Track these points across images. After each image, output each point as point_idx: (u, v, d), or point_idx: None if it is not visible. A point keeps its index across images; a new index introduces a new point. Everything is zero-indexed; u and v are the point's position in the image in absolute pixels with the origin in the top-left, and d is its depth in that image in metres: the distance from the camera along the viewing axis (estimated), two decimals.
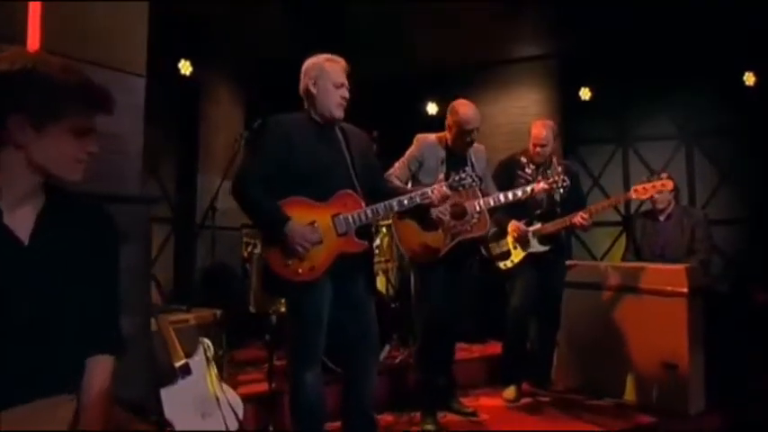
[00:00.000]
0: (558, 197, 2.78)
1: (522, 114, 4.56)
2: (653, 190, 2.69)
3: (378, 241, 3.20)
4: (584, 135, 4.68)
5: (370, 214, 1.88)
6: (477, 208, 2.40)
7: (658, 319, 2.78)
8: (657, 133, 4.53)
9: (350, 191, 1.88)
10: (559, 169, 2.56)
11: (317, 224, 1.83)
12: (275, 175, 1.82)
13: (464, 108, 2.47)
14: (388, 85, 4.58)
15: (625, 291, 2.94)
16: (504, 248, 2.84)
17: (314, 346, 1.86)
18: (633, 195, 2.71)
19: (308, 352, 1.86)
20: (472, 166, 2.48)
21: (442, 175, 2.07)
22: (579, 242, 4.76)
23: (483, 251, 2.86)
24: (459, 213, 2.40)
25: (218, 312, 2.49)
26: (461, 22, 4.06)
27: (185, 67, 3.72)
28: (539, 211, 2.80)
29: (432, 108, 4.92)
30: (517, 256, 2.82)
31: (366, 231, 1.92)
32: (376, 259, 3.20)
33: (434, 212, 2.05)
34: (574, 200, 2.83)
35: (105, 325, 1.14)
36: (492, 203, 2.41)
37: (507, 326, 2.91)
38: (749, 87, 4.08)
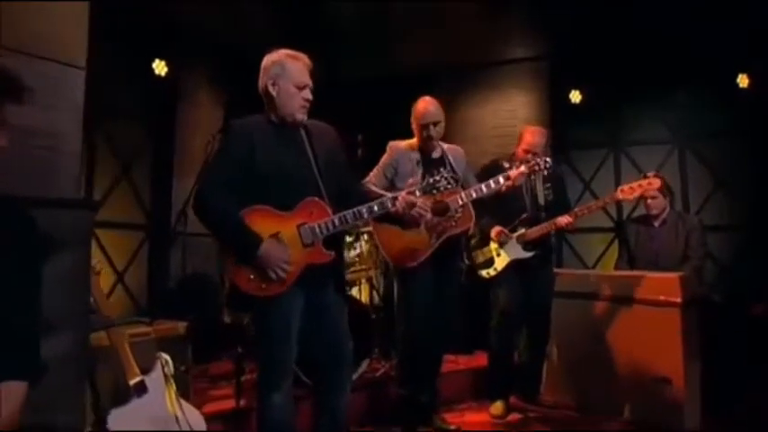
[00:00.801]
0: (542, 201, 2.72)
1: (510, 117, 4.48)
2: (640, 189, 2.62)
3: (358, 249, 3.08)
4: (575, 139, 4.57)
5: (337, 223, 1.78)
6: (460, 201, 2.34)
7: (651, 330, 2.69)
8: (650, 137, 4.43)
9: (316, 198, 1.77)
10: (547, 160, 2.49)
11: (281, 235, 1.73)
12: (239, 181, 1.72)
13: (421, 103, 2.45)
14: (373, 87, 4.49)
15: (617, 301, 2.86)
16: (488, 256, 2.76)
17: (282, 362, 1.76)
18: (620, 196, 2.64)
19: (276, 370, 1.76)
20: (451, 167, 2.41)
21: (412, 179, 1.97)
22: (570, 249, 4.65)
23: (466, 259, 2.78)
24: (442, 209, 2.34)
25: (184, 324, 2.35)
26: (448, 24, 3.98)
27: (160, 68, 3.60)
28: (524, 216, 2.72)
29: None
30: (501, 263, 2.74)
31: (335, 239, 1.82)
32: (357, 267, 3.10)
33: (414, 212, 1.98)
34: (560, 204, 2.76)
35: (18, 346, 1.02)
36: (474, 195, 2.35)
37: (492, 338, 2.82)
38: (743, 89, 4.00)
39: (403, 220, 2.07)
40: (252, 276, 1.71)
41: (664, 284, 2.70)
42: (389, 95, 4.40)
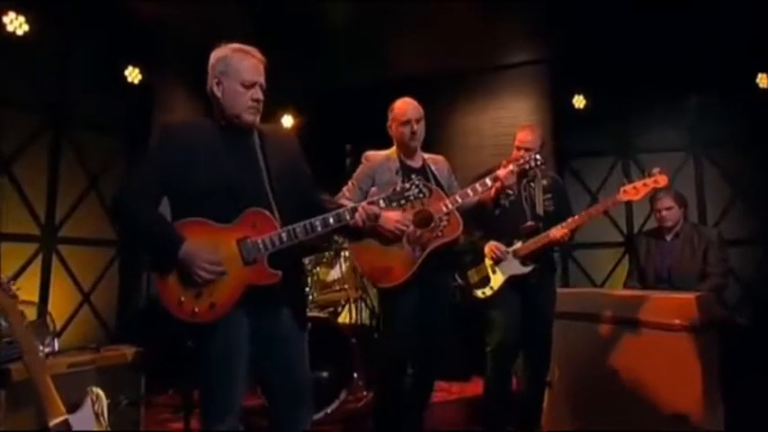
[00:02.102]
0: (540, 211, 2.51)
1: (510, 125, 4.26)
2: (645, 189, 2.39)
3: (338, 268, 2.86)
4: (580, 147, 4.34)
5: (284, 238, 1.57)
6: (445, 209, 2.16)
7: (664, 357, 2.43)
8: (661, 144, 4.17)
9: (260, 209, 1.57)
10: (537, 157, 2.29)
11: (218, 251, 1.53)
12: (171, 191, 1.56)
13: (399, 102, 2.33)
14: (364, 95, 4.33)
15: (625, 323, 2.60)
16: (483, 274, 2.54)
17: (223, 399, 1.56)
18: (623, 197, 2.41)
19: (216, 406, 1.56)
20: (433, 177, 2.27)
21: (376, 188, 1.77)
22: (577, 266, 4.39)
23: (459, 279, 2.59)
24: (425, 220, 2.17)
25: (134, 351, 2.14)
26: (442, 28, 3.86)
27: (133, 75, 3.48)
28: (521, 227, 2.51)
29: None
30: (497, 281, 2.53)
31: (290, 257, 1.62)
32: (336, 287, 2.89)
33: (391, 226, 1.88)
34: (563, 216, 2.55)
35: None
36: (460, 201, 2.18)
37: (487, 369, 2.59)
38: (763, 90, 3.72)
39: (381, 234, 1.92)
40: (183, 299, 1.51)
41: (678, 306, 2.45)
42: (381, 104, 4.28)
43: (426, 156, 2.39)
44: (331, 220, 1.62)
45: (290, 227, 1.58)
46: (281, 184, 1.64)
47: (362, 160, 2.34)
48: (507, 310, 2.51)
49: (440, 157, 2.42)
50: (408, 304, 2.18)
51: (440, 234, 2.17)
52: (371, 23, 3.83)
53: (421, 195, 1.68)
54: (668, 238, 2.93)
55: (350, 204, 1.69)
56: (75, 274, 3.29)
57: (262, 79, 1.64)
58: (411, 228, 2.04)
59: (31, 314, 2.72)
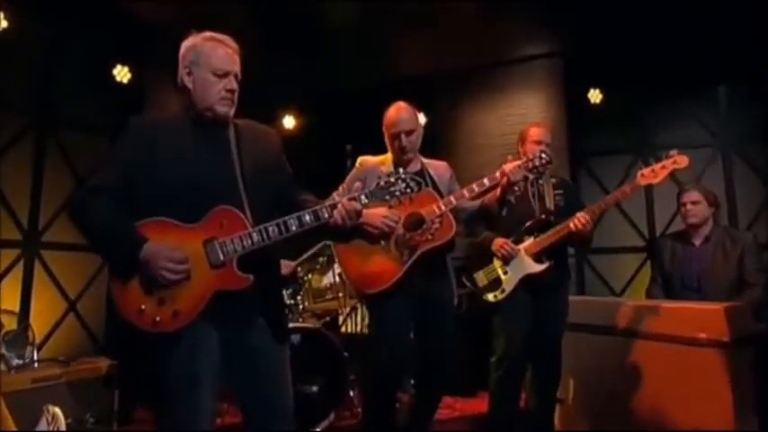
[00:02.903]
0: (551, 205, 2.43)
1: (520, 123, 4.03)
2: (664, 172, 2.31)
3: (331, 274, 2.76)
4: (595, 144, 4.20)
5: (255, 238, 1.48)
6: (438, 211, 2.08)
7: (690, 376, 2.28)
8: (686, 140, 3.97)
9: (229, 208, 1.49)
10: (543, 154, 2.18)
11: (183, 253, 1.44)
12: (134, 190, 1.48)
13: (392, 109, 2.24)
14: (366, 95, 4.27)
15: (646, 337, 2.47)
16: (493, 276, 2.41)
17: (186, 420, 1.45)
18: (642, 181, 2.33)
19: (178, 427, 1.46)
20: (432, 183, 2.20)
21: (358, 183, 1.68)
22: (594, 273, 4.23)
23: (467, 282, 2.46)
24: (417, 223, 2.09)
25: (108, 364, 2.06)
26: (447, 22, 3.78)
27: (123, 74, 3.46)
28: (529, 222, 2.41)
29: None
30: (509, 282, 2.40)
31: (264, 259, 1.53)
32: (329, 296, 2.78)
33: (378, 222, 1.79)
34: (575, 212, 2.42)
35: None
36: (454, 202, 2.11)
37: (492, 379, 2.46)
38: None
39: (368, 233, 1.82)
40: (143, 307, 1.42)
41: (703, 318, 2.29)
42: (383, 104, 4.20)
43: (426, 161, 2.31)
44: (307, 218, 1.53)
45: (262, 226, 1.49)
46: (255, 181, 1.55)
47: (356, 164, 2.29)
48: (516, 315, 2.39)
49: (441, 163, 2.35)
50: (397, 312, 2.08)
51: (430, 237, 2.08)
52: (373, 21, 3.80)
53: (408, 191, 1.57)
54: (697, 242, 2.76)
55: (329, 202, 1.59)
56: (59, 281, 3.24)
57: (236, 69, 1.57)
58: (400, 229, 1.96)
59: (12, 324, 2.66)
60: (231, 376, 1.51)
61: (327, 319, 3.07)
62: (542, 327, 2.43)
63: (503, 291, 2.39)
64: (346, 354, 2.60)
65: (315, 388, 2.44)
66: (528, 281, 2.39)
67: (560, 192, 2.48)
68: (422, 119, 4.49)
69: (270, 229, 1.49)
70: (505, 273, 2.40)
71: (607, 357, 2.58)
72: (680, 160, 2.33)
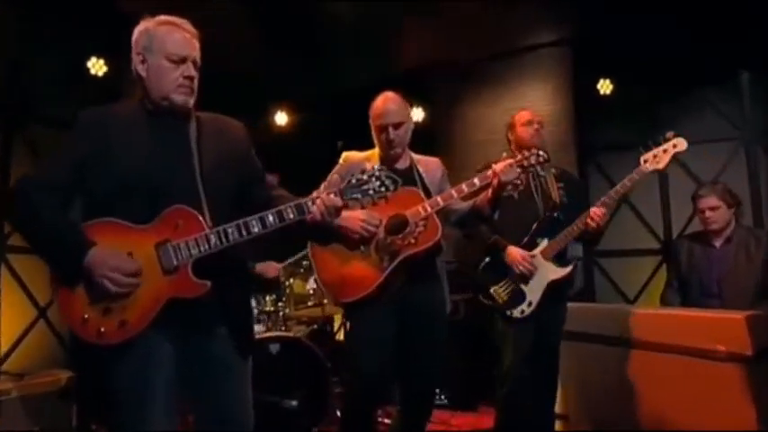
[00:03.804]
0: (558, 199, 2.39)
1: None
2: (666, 156, 2.30)
3: (314, 282, 2.71)
4: (606, 139, 4.12)
5: (213, 240, 1.44)
6: (423, 213, 2.01)
7: (707, 392, 2.21)
8: (705, 133, 3.88)
9: (184, 207, 1.45)
10: (541, 152, 2.13)
11: (132, 256, 1.41)
12: (84, 188, 1.46)
13: (379, 100, 2.18)
14: (362, 90, 4.24)
15: (660, 349, 2.40)
16: (511, 288, 2.34)
17: None
18: (647, 168, 2.31)
19: None
20: (420, 180, 2.15)
21: (336, 176, 1.64)
22: (605, 277, 4.17)
23: (484, 300, 2.39)
24: (399, 226, 2.03)
25: (68, 376, 2.02)
26: (446, 12, 3.78)
27: (97, 67, 3.44)
28: (536, 223, 2.36)
29: (417, 114, 4.59)
30: (535, 293, 2.33)
31: (226, 264, 1.49)
32: (311, 302, 2.74)
33: (356, 226, 1.80)
34: (580, 208, 2.39)
35: None
36: (441, 203, 2.04)
37: (499, 395, 2.40)
38: None
39: (346, 237, 1.82)
40: (86, 316, 1.38)
41: (724, 328, 2.21)
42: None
43: (417, 157, 2.25)
44: (270, 219, 1.48)
45: (220, 228, 1.44)
46: (216, 178, 1.51)
47: (340, 161, 2.22)
48: (526, 325, 2.32)
49: (433, 159, 2.29)
50: (376, 322, 2.02)
51: (412, 241, 2.02)
52: (371, 13, 3.78)
53: (383, 190, 1.52)
54: (717, 243, 2.69)
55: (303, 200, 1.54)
56: (28, 286, 3.22)
57: (195, 54, 1.53)
58: (381, 232, 1.91)
59: None
60: (187, 390, 1.47)
61: (315, 326, 3.03)
62: (542, 336, 2.36)
63: (530, 303, 2.32)
64: (329, 365, 2.54)
65: (294, 402, 2.38)
66: (552, 287, 2.32)
67: (562, 185, 2.43)
68: (419, 114, 4.58)
69: (229, 230, 1.45)
70: (526, 283, 2.33)
71: (616, 371, 2.52)
72: (679, 143, 2.30)
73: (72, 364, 2.19)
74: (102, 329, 1.37)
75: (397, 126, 2.10)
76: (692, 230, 3.22)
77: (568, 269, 2.35)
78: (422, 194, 2.07)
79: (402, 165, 2.19)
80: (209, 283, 1.42)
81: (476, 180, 2.05)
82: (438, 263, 2.16)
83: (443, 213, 2.15)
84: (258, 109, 4.85)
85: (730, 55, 3.65)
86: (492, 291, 2.33)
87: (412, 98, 4.52)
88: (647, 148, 2.33)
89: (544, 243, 2.34)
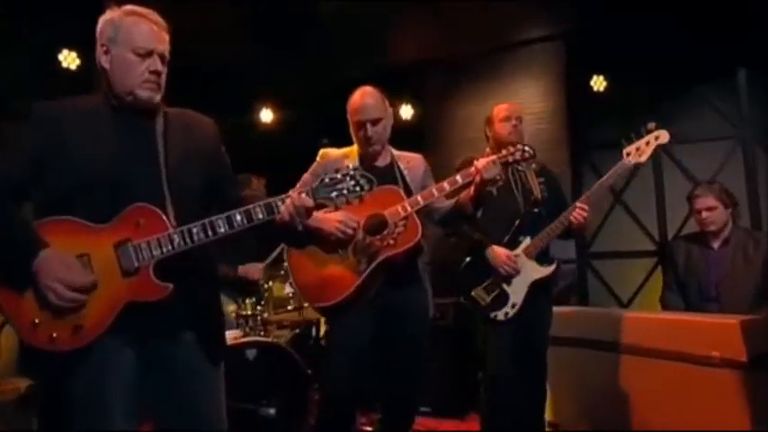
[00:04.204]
0: (539, 195, 2.39)
1: None
2: (648, 148, 2.31)
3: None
4: (600, 137, 4.06)
5: (177, 240, 1.40)
6: (402, 213, 1.98)
7: (704, 400, 2.21)
8: (702, 131, 3.89)
9: (146, 205, 1.41)
10: (527, 148, 2.12)
11: (89, 258, 1.38)
12: (39, 185, 1.42)
13: (357, 95, 2.15)
14: (348, 87, 4.25)
15: (654, 355, 2.41)
16: (495, 290, 2.32)
17: None
18: (630, 160, 2.32)
19: None
20: (402, 178, 2.14)
21: (308, 175, 1.61)
22: (599, 280, 4.14)
23: (465, 302, 2.38)
24: (378, 226, 2.01)
25: (26, 385, 1.97)
26: (435, 8, 3.78)
27: (69, 60, 3.40)
28: (518, 221, 2.35)
29: (406, 111, 4.60)
30: (517, 293, 2.31)
31: (191, 265, 1.46)
32: (289, 306, 2.76)
33: (332, 228, 1.81)
34: (558, 205, 2.42)
35: None
36: (422, 202, 2.01)
37: (483, 400, 2.41)
38: None
39: (323, 240, 1.81)
40: (37, 320, 1.33)
41: (719, 333, 2.21)
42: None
43: (398, 153, 2.23)
44: (238, 218, 1.45)
45: (185, 227, 1.41)
46: (182, 176, 1.48)
47: (317, 158, 2.20)
48: (507, 325, 2.30)
49: (415, 155, 2.27)
50: (354, 327, 2.00)
51: (391, 243, 1.98)
52: (360, 8, 3.78)
53: (357, 190, 1.49)
54: (715, 245, 2.68)
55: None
56: None
57: (162, 48, 1.49)
58: (359, 233, 1.90)
59: None
60: (150, 401, 1.44)
61: (297, 331, 2.98)
62: (528, 338, 2.34)
63: (513, 305, 2.31)
64: (310, 371, 2.50)
65: (272, 410, 2.36)
66: (535, 287, 2.32)
67: (543, 179, 2.43)
68: (408, 111, 4.60)
69: (194, 230, 1.41)
70: (509, 283, 2.32)
71: (608, 377, 2.51)
72: (661, 135, 2.31)
73: (24, 370, 2.12)
74: (55, 335, 1.32)
75: (375, 122, 2.07)
76: (688, 231, 3.18)
77: (552, 268, 2.34)
78: (402, 193, 2.04)
79: (382, 162, 2.16)
80: (171, 286, 1.38)
81: (458, 177, 2.03)
82: (420, 264, 2.14)
83: (425, 212, 2.13)
84: (243, 106, 4.84)
85: (728, 52, 3.64)
86: (474, 293, 2.31)
87: (401, 95, 4.63)
88: (630, 141, 2.33)
89: (526, 241, 2.33)
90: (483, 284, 2.31)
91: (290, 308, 2.69)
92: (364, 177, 1.50)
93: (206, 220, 1.42)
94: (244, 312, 2.61)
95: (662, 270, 3.52)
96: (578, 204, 2.28)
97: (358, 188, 1.49)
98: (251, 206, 1.46)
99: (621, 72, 3.93)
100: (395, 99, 4.59)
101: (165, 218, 1.40)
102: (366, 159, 2.13)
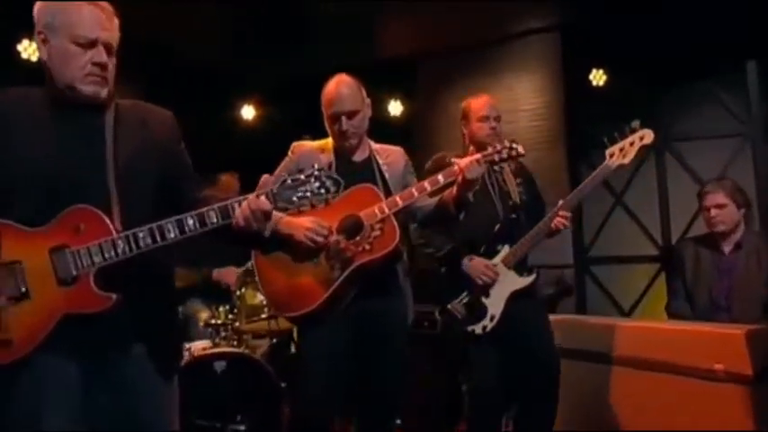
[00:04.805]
0: (518, 199, 2.36)
1: (512, 110, 4.07)
2: (632, 149, 2.30)
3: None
4: (600, 135, 3.95)
5: (122, 246, 1.35)
6: (379, 214, 1.93)
7: (707, 417, 2.16)
8: (708, 128, 3.89)
9: (87, 207, 1.36)
10: (515, 145, 2.08)
11: (23, 265, 1.32)
12: None
13: (331, 85, 2.10)
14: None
15: (654, 368, 2.37)
16: (471, 302, 2.29)
17: None
18: (614, 162, 2.31)
19: None
20: (380, 174, 2.10)
21: (267, 175, 1.56)
22: (598, 287, 4.13)
23: (439, 315, 2.38)
24: (353, 229, 1.95)
25: None
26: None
27: (30, 50, 3.35)
28: (498, 227, 2.31)
29: (395, 107, 4.61)
30: (495, 305, 2.28)
31: (140, 273, 1.41)
32: (263, 315, 2.71)
33: (300, 235, 1.81)
34: (537, 207, 2.42)
35: None
36: (401, 204, 1.96)
37: (467, 411, 2.46)
38: None
39: (293, 249, 1.79)
40: None
41: (723, 345, 2.15)
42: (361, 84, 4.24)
43: (377, 146, 2.18)
44: (190, 222, 1.39)
45: (130, 232, 1.35)
46: (132, 176, 1.43)
47: (289, 153, 2.14)
48: (488, 338, 2.26)
49: (395, 149, 2.23)
50: (325, 340, 1.95)
51: (367, 248, 1.92)
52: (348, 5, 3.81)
53: (322, 192, 1.42)
54: (726, 249, 2.60)
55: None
56: None
57: (108, 36, 1.42)
58: (333, 237, 1.85)
59: None
60: (95, 420, 1.37)
61: (274, 341, 2.94)
62: (535, 349, 2.31)
63: (492, 318, 2.27)
64: (284, 384, 2.46)
65: (242, 427, 2.33)
66: (514, 298, 2.28)
67: (520, 180, 2.39)
68: (398, 107, 4.60)
69: (141, 235, 1.36)
70: (487, 295, 2.28)
71: (606, 391, 2.48)
72: (646, 135, 2.29)
73: None
74: None
75: (351, 115, 2.02)
76: (697, 232, 3.13)
77: (532, 278, 2.31)
78: (379, 193, 1.99)
79: (359, 156, 2.12)
80: (114, 297, 1.33)
81: (440, 177, 1.97)
82: (400, 271, 2.09)
83: (408, 211, 2.08)
84: (224, 103, 4.84)
85: (736, 43, 3.61)
86: (450, 306, 2.27)
87: (389, 90, 4.58)
88: (613, 141, 2.30)
89: (505, 249, 2.29)
90: (459, 297, 2.28)
91: (263, 316, 2.63)
92: (331, 179, 1.44)
93: (154, 225, 1.36)
94: (215, 321, 2.56)
95: (665, 276, 3.52)
96: (559, 212, 2.25)
97: (323, 191, 1.43)
98: (205, 210, 1.40)
99: (622, 65, 3.91)
100: (383, 94, 4.70)
101: (108, 221, 1.34)
102: (342, 154, 2.08)
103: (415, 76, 4.51)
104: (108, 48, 1.41)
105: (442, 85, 4.36)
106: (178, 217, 1.38)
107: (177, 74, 4.36)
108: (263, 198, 1.40)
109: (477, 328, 2.25)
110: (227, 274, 2.94)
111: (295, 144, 2.15)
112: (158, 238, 1.37)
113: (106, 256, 1.33)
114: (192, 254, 2.79)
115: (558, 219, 2.24)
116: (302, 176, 1.43)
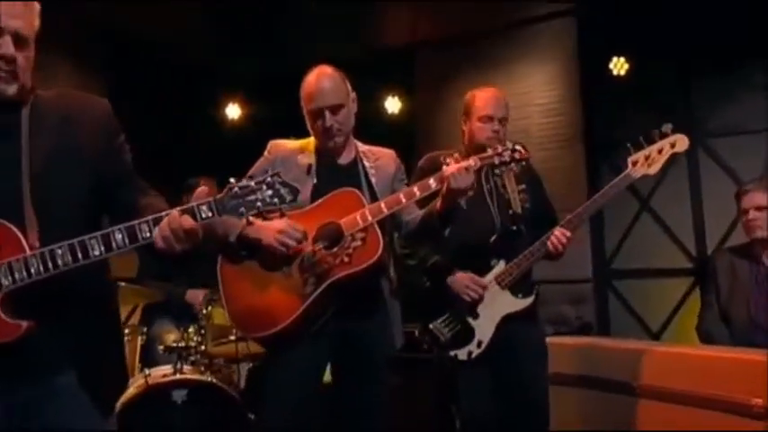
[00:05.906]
0: (518, 208, 2.31)
1: (523, 104, 4.10)
2: (660, 157, 2.23)
3: None
4: (622, 131, 3.89)
5: (35, 266, 1.31)
6: (361, 222, 1.90)
7: None
8: (747, 124, 3.85)
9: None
10: (518, 147, 2.02)
11: None
12: None
13: (309, 78, 2.07)
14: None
15: (684, 401, 2.30)
16: (456, 325, 2.25)
17: None
18: (637, 172, 2.24)
19: None
20: (365, 178, 2.09)
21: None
22: (622, 304, 4.10)
23: (419, 335, 2.35)
24: (331, 237, 1.93)
25: None
26: None
27: (2, 47, 3.31)
28: (493, 238, 2.27)
29: (392, 104, 4.64)
30: (484, 329, 2.25)
31: (64, 295, 1.37)
32: (232, 336, 2.70)
33: (270, 240, 1.80)
34: (543, 217, 2.36)
35: None
36: (386, 211, 1.93)
37: None
38: None
39: (264, 257, 1.83)
40: None
41: (743, 371, 2.12)
42: (354, 79, 4.31)
43: (364, 147, 2.16)
44: (119, 237, 1.33)
45: (47, 249, 1.30)
46: (51, 182, 1.38)
47: (265, 152, 2.12)
48: (476, 365, 2.23)
49: (386, 151, 2.22)
50: (297, 366, 1.91)
51: (345, 260, 1.89)
52: None
53: (276, 202, 1.38)
54: (766, 258, 2.58)
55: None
56: None
57: (16, 24, 1.37)
58: (308, 246, 1.84)
59: None
60: None
61: (251, 365, 2.90)
62: (523, 375, 2.27)
63: (479, 344, 2.24)
64: (252, 416, 2.42)
65: None
66: (506, 321, 2.24)
67: (523, 187, 2.33)
68: (396, 104, 4.61)
69: (58, 252, 1.30)
70: (475, 317, 2.24)
71: (622, 426, 2.41)
72: (678, 142, 2.22)
73: None
74: None
75: (334, 110, 1.97)
76: (734, 242, 3.08)
77: (529, 300, 2.25)
78: (363, 198, 1.95)
79: (345, 159, 2.08)
80: (25, 324, 1.27)
81: (431, 181, 1.92)
82: (385, 287, 2.04)
83: (395, 223, 2.05)
84: (208, 102, 4.92)
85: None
86: (432, 326, 2.23)
87: (386, 85, 4.61)
88: (638, 147, 2.22)
89: (500, 266, 2.25)
90: (443, 317, 2.23)
91: (231, 338, 2.62)
92: (286, 187, 1.39)
93: (75, 241, 1.31)
94: (178, 344, 2.54)
95: (700, 292, 3.46)
96: (557, 231, 2.19)
97: (276, 200, 1.38)
98: (136, 222, 1.34)
99: (647, 52, 3.89)
100: (379, 90, 4.75)
101: (20, 237, 1.29)
102: (325, 155, 2.06)
103: (415, 68, 4.55)
104: (16, 37, 1.35)
105: (444, 77, 4.39)
106: (105, 231, 1.33)
107: (158, 71, 4.43)
108: (185, 216, 1.33)
109: (462, 354, 2.21)
110: (196, 295, 2.91)
111: (272, 143, 2.13)
112: (80, 256, 1.31)
113: (17, 277, 1.28)
114: (162, 266, 2.79)
115: (555, 238, 2.17)
116: (252, 183, 1.38)
